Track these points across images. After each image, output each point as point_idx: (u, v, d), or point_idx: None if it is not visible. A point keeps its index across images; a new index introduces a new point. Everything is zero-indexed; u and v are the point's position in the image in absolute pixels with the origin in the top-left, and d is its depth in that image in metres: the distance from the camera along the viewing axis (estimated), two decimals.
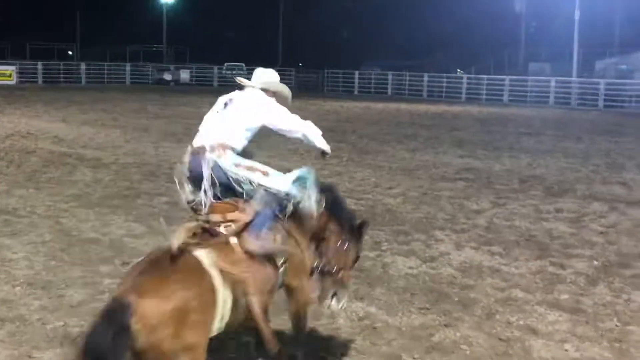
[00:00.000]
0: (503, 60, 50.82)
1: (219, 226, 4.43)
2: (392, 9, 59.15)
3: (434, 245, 8.77)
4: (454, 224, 9.90)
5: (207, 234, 4.35)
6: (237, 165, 4.65)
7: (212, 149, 4.65)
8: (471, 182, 13.20)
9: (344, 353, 5.59)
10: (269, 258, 4.51)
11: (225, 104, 4.88)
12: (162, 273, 3.92)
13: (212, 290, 4.06)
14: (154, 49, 60.72)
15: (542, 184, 13.04)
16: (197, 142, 4.75)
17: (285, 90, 5.09)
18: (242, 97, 4.92)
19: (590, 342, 5.83)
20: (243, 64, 50.48)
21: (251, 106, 4.83)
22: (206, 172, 4.61)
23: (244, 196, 4.62)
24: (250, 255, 4.37)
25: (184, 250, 4.08)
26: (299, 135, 4.92)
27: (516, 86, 40.73)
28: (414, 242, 8.84)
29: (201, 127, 4.85)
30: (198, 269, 4.06)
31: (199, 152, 4.68)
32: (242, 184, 4.63)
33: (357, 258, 5.30)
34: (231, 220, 4.47)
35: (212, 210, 4.54)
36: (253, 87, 4.99)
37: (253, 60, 54.35)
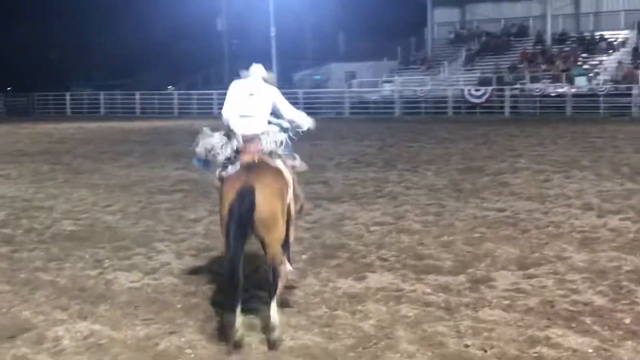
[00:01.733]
0: (210, 75, 51.58)
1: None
2: (94, 30, 57.58)
3: (155, 257, 8.63)
4: (174, 234, 9.83)
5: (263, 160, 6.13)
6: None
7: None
8: (188, 193, 13.18)
9: None
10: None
11: (252, 94, 6.42)
12: (262, 172, 5.85)
13: (288, 183, 6.14)
14: None
15: None
16: (245, 129, 6.31)
17: (273, 79, 6.77)
18: (261, 87, 6.49)
19: (303, 330, 6.07)
20: None
21: (270, 92, 6.50)
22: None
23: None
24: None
25: (264, 161, 6.09)
26: (293, 113, 6.74)
27: (224, 99, 41.56)
28: (136, 256, 8.64)
29: (240, 112, 6.38)
30: (280, 170, 6.13)
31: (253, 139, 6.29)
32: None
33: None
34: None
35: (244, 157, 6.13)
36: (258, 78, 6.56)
37: None
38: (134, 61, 54.28)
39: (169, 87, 50.78)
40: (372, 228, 9.96)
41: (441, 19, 46.56)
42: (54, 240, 9.67)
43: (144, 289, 7.35)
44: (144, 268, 8.13)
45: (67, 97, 46.11)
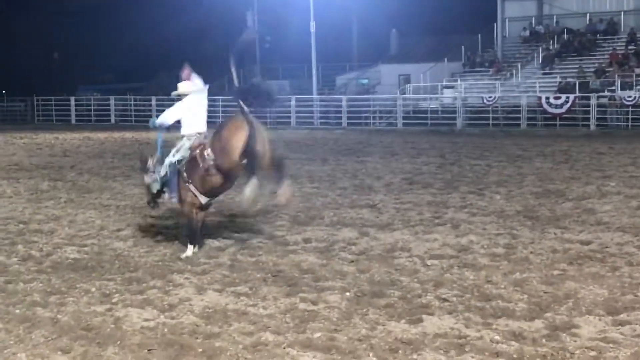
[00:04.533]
0: (238, 78, 51.93)
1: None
2: (106, 27, 58.41)
3: (173, 291, 8.69)
4: (194, 265, 9.88)
5: None
6: None
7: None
8: (211, 217, 13.06)
9: None
10: None
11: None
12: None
13: None
14: None
15: (288, 213, 13.39)
16: (201, 128, 10.82)
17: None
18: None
19: None
20: None
21: None
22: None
23: None
24: None
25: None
26: None
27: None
28: (150, 290, 8.71)
29: (198, 114, 10.89)
30: None
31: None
32: None
33: None
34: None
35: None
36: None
37: None
38: (151, 62, 55.09)
39: None
40: (429, 262, 9.90)
41: (513, 13, 46.43)
42: (55, 270, 9.74)
43: (159, 329, 7.39)
44: (160, 304, 8.18)
45: (72, 103, 46.90)
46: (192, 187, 10.45)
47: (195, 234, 10.65)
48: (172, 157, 10.56)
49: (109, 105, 46.07)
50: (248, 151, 9.87)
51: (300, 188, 16.54)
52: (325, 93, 44.86)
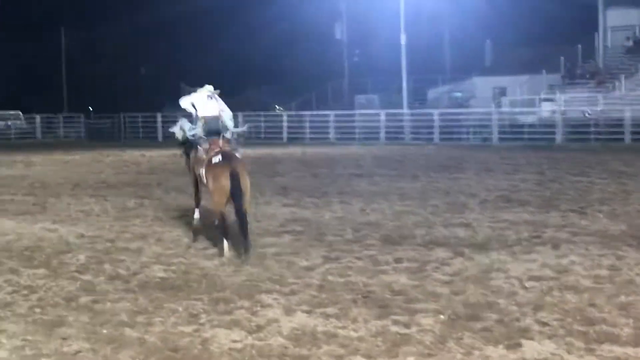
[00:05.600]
0: (326, 93, 52.16)
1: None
2: (191, 42, 59.40)
3: (261, 312, 8.73)
4: (282, 285, 9.91)
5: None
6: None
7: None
8: (299, 235, 13.32)
9: None
10: None
11: (209, 97, 12.96)
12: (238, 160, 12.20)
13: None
14: None
15: (378, 232, 13.37)
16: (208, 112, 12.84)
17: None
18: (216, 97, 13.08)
19: None
20: (20, 112, 49.08)
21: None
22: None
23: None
24: None
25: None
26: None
27: (342, 122, 42.01)
28: (237, 311, 8.76)
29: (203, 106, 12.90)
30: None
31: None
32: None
33: None
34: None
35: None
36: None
37: (32, 107, 52.70)
38: (236, 77, 55.71)
39: (276, 107, 51.69)
40: (527, 284, 9.73)
41: (616, 22, 45.55)
42: (142, 289, 9.89)
43: (247, 351, 7.43)
44: (248, 325, 8.22)
45: (159, 120, 47.77)
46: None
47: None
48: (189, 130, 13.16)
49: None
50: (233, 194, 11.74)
51: (391, 206, 16.53)
52: (416, 107, 44.66)
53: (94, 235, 13.76)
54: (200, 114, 12.83)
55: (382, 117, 40.72)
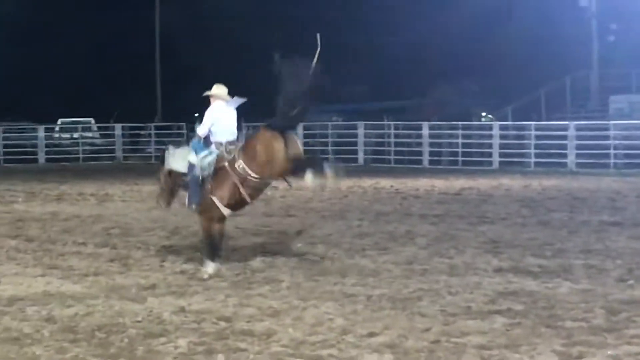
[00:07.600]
0: (561, 92, 41.41)
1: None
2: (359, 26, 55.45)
3: None
4: None
5: None
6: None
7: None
8: (518, 318, 10.61)
9: None
10: None
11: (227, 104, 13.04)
12: None
13: None
14: None
15: None
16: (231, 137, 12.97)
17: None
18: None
19: None
20: (92, 120, 47.44)
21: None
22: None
23: None
24: None
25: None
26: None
27: (589, 138, 34.29)
28: None
29: (227, 127, 12.90)
30: None
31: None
32: None
33: None
34: None
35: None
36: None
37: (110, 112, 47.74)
38: (421, 71, 50.52)
39: (483, 115, 45.18)
40: None
41: None
42: None
43: None
44: None
45: (299, 132, 43.94)
46: (216, 199, 12.58)
47: (214, 248, 12.81)
48: (196, 159, 12.62)
49: (355, 133, 38.27)
50: (289, 157, 12.28)
51: None
52: None
53: (199, 311, 11.30)
54: (220, 138, 13.16)
55: None
